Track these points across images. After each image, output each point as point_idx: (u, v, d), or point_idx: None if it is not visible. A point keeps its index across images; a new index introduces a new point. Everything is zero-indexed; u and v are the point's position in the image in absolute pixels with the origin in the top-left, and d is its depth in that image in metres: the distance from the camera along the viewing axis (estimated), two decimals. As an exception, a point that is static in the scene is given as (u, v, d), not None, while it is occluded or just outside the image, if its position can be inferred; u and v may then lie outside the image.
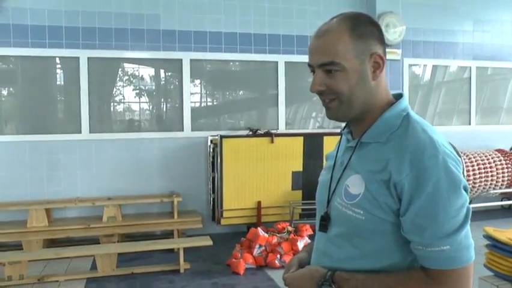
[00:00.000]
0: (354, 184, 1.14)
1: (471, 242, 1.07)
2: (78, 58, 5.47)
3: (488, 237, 2.84)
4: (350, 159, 1.19)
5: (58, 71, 5.69)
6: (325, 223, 1.22)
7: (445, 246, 1.03)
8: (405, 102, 1.20)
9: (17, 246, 4.87)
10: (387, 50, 4.73)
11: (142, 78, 5.99)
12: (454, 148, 1.59)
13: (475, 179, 6.07)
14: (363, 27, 1.14)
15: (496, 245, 2.79)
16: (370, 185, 1.10)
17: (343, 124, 1.31)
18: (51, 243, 5.13)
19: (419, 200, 1.03)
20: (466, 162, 6.02)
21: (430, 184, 1.03)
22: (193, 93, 5.97)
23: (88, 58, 5.49)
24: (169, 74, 6.11)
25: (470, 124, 7.06)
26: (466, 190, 1.07)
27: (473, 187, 6.11)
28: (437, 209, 1.03)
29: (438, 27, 6.74)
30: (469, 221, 1.07)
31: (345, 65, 1.12)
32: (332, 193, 1.21)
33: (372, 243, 1.12)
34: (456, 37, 6.87)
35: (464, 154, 6.14)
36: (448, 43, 6.83)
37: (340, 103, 1.15)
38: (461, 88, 7.14)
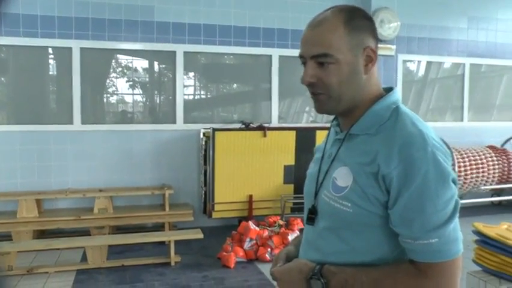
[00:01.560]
0: (342, 176, 1.13)
1: (459, 235, 1.06)
2: (71, 48, 5.42)
3: (477, 232, 2.86)
4: (338, 151, 1.18)
5: (50, 61, 5.64)
6: (312, 216, 1.21)
7: (433, 239, 1.02)
8: (395, 95, 1.19)
9: (6, 237, 4.84)
10: (381, 45, 4.72)
11: (135, 70, 5.95)
12: (445, 143, 1.58)
13: (466, 175, 6.10)
14: (358, 20, 1.13)
15: (484, 241, 2.80)
16: (358, 177, 1.09)
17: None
18: (41, 234, 5.11)
19: (408, 192, 1.02)
20: (457, 158, 6.05)
21: (419, 176, 1.02)
22: (186, 86, 5.95)
23: (81, 48, 5.44)
24: (163, 66, 6.08)
25: (462, 120, 7.09)
26: (454, 183, 1.07)
27: (464, 183, 6.14)
28: (426, 202, 1.02)
29: (433, 23, 6.74)
30: (458, 214, 1.06)
31: (338, 57, 1.10)
32: (319, 185, 1.20)
33: (360, 236, 1.11)
34: (450, 34, 6.88)
35: (456, 150, 6.17)
36: (442, 40, 6.84)
37: (329, 97, 1.14)
38: (455, 85, 7.17)
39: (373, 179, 1.07)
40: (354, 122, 1.16)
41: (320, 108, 1.18)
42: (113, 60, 5.88)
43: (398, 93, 1.20)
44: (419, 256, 1.05)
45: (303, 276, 1.13)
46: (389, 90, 1.21)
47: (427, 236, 1.03)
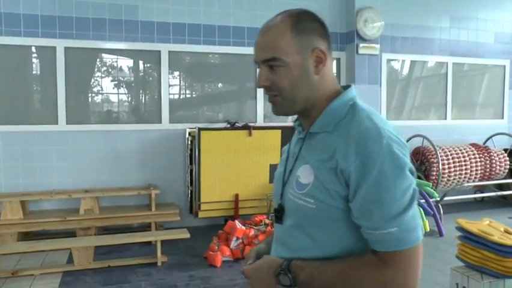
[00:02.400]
0: (304, 174, 1.16)
1: (418, 223, 1.09)
2: (55, 48, 5.37)
3: (460, 229, 2.91)
4: (300, 150, 1.22)
5: (34, 60, 5.57)
6: (279, 215, 1.24)
7: (393, 228, 1.05)
8: (351, 92, 1.22)
9: (-9, 239, 4.79)
10: (365, 44, 4.78)
11: (120, 70, 5.92)
12: (415, 143, 1.60)
13: (449, 172, 6.19)
14: (305, 23, 1.17)
15: (467, 237, 2.86)
16: (319, 173, 1.12)
17: None
18: (26, 236, 5.06)
19: (366, 184, 1.05)
20: (441, 156, 6.13)
21: (375, 168, 1.04)
22: (171, 85, 5.93)
23: (65, 48, 5.40)
24: (148, 65, 6.05)
25: (446, 119, 7.19)
26: (412, 173, 1.10)
27: (448, 180, 6.23)
28: (383, 192, 1.05)
29: (416, 23, 6.83)
30: (416, 202, 1.08)
31: (287, 60, 1.14)
32: (284, 185, 1.24)
33: (325, 231, 1.14)
34: (433, 33, 6.98)
35: (440, 148, 6.25)
36: (425, 39, 6.94)
37: (283, 99, 1.18)
38: (438, 83, 7.26)
39: (333, 174, 1.10)
40: (313, 121, 1.20)
41: (277, 111, 1.22)
42: (98, 60, 5.83)
43: (354, 91, 1.23)
44: (380, 246, 1.08)
45: (272, 272, 1.16)
46: (347, 87, 1.25)
47: (387, 226, 1.05)
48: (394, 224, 1.05)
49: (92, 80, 5.83)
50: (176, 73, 6.03)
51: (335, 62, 6.55)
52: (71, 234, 4.97)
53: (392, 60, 6.87)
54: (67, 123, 5.45)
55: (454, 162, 6.23)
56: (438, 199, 5.78)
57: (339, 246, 1.14)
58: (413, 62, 7.02)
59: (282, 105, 1.20)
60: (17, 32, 5.22)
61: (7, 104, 5.41)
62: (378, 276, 1.07)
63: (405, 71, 7.13)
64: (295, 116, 1.30)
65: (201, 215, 5.29)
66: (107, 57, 5.87)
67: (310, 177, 1.14)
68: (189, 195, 5.48)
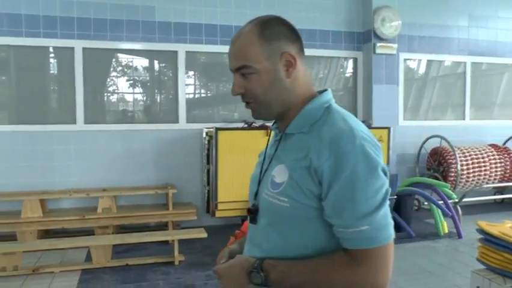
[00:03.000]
0: (279, 173, 1.18)
1: (389, 222, 1.10)
2: (73, 48, 5.44)
3: (481, 231, 2.87)
4: (275, 151, 1.24)
5: (53, 61, 5.65)
6: (254, 215, 1.25)
7: (364, 226, 1.06)
8: (327, 96, 1.24)
9: (11, 237, 4.86)
10: (382, 44, 4.74)
11: (137, 70, 5.97)
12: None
13: (468, 173, 6.12)
14: (272, 29, 1.19)
15: (488, 239, 2.82)
16: (293, 172, 1.14)
17: None
18: (45, 234, 5.13)
19: (338, 183, 1.06)
20: (459, 157, 6.06)
21: (348, 167, 1.06)
22: (187, 85, 5.96)
23: (83, 48, 5.46)
24: (164, 65, 6.09)
25: (464, 119, 7.10)
26: (385, 173, 1.11)
27: (467, 181, 6.16)
28: (355, 191, 1.06)
29: (434, 22, 6.76)
30: (388, 202, 1.10)
31: (256, 67, 1.17)
32: (259, 185, 1.25)
33: (298, 230, 1.15)
34: (451, 32, 6.89)
35: (458, 149, 6.18)
36: (443, 38, 6.86)
37: (258, 104, 1.21)
38: (456, 83, 7.18)
39: (307, 172, 1.11)
40: (289, 123, 1.23)
41: (255, 115, 1.25)
42: (115, 60, 5.89)
43: (330, 94, 1.25)
44: (351, 244, 1.09)
45: (244, 271, 1.17)
46: (323, 92, 1.27)
47: (358, 224, 1.06)
48: (365, 222, 1.06)
49: (109, 80, 5.89)
50: (191, 72, 6.05)
51: (351, 61, 6.52)
52: (89, 232, 5.02)
53: (408, 59, 6.80)
54: (85, 123, 5.51)
55: (472, 163, 6.16)
56: (456, 200, 5.72)
57: (313, 247, 1.15)
58: (429, 61, 6.95)
59: (259, 110, 1.23)
60: (36, 33, 5.30)
61: (28, 105, 5.49)
62: (349, 274, 1.08)
63: (422, 71, 7.05)
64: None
65: (217, 214, 5.29)
66: (124, 58, 5.92)
67: (284, 176, 1.15)
68: (206, 194, 5.49)
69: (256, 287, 1.16)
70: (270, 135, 1.37)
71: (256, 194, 1.26)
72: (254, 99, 1.21)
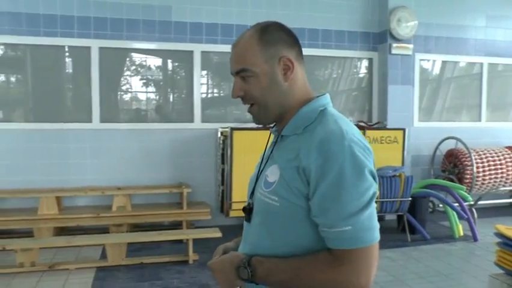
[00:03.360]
0: (272, 173, 1.22)
1: (375, 224, 1.12)
2: (89, 48, 5.48)
3: (499, 235, 2.84)
4: (271, 152, 1.29)
5: (70, 60, 5.70)
6: (248, 214, 1.29)
7: (347, 226, 1.08)
8: (324, 100, 1.27)
9: (28, 233, 4.92)
10: (398, 44, 4.71)
11: (152, 69, 6.00)
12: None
13: (484, 176, 6.05)
14: (271, 34, 1.24)
15: (507, 243, 2.79)
16: (284, 172, 1.17)
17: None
18: (60, 231, 5.18)
19: (325, 182, 1.09)
20: (475, 159, 6.00)
21: (335, 168, 1.08)
22: (201, 84, 5.97)
23: (99, 48, 5.50)
24: (180, 65, 6.11)
25: (480, 121, 7.02)
26: (373, 176, 1.13)
27: (483, 184, 6.09)
28: (341, 191, 1.08)
29: (450, 22, 6.69)
30: (373, 204, 1.12)
31: (255, 70, 1.22)
32: (255, 185, 1.30)
33: (287, 229, 1.18)
34: (468, 33, 6.81)
35: (473, 150, 6.12)
36: (460, 39, 6.78)
37: (258, 107, 1.26)
38: (471, 84, 7.10)
39: (296, 172, 1.14)
40: (286, 125, 1.26)
41: (256, 120, 1.31)
42: (131, 60, 5.93)
43: (328, 99, 1.29)
44: (334, 243, 1.11)
45: (233, 266, 1.21)
46: (322, 96, 1.31)
47: (341, 224, 1.08)
48: (349, 223, 1.08)
49: (125, 80, 5.94)
50: (204, 72, 6.05)
51: (367, 61, 6.49)
52: (103, 230, 5.06)
53: (423, 60, 6.74)
54: (100, 122, 5.56)
55: (488, 166, 6.09)
56: (472, 203, 5.66)
57: (300, 246, 1.17)
58: (444, 62, 6.88)
59: (259, 113, 1.28)
60: (54, 33, 5.36)
61: (44, 103, 5.56)
62: (331, 274, 1.10)
63: (436, 71, 6.99)
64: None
65: (232, 214, 5.30)
66: (140, 57, 5.96)
67: (276, 176, 1.19)
68: (220, 194, 5.51)
69: (244, 283, 1.21)
70: (269, 138, 1.40)
71: (252, 194, 1.30)
72: (253, 101, 1.26)
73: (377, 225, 1.13)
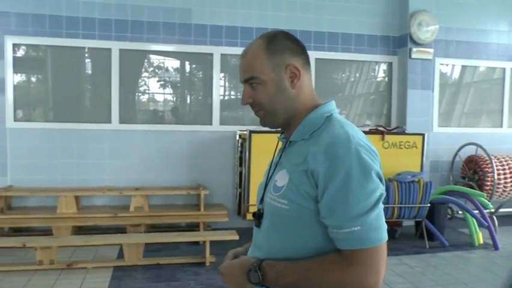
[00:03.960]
0: (281, 178, 1.25)
1: (382, 224, 1.14)
2: (110, 49, 5.54)
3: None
4: (280, 158, 1.33)
5: (89, 61, 5.77)
6: (258, 219, 1.32)
7: (355, 227, 1.10)
8: (330, 106, 1.31)
9: (47, 232, 4.98)
10: (418, 49, 4.67)
11: (171, 71, 6.04)
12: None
13: (505, 182, 5.95)
14: (278, 43, 1.29)
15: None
16: (293, 175, 1.21)
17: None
18: (78, 230, 5.23)
19: (333, 185, 1.12)
20: (496, 166, 5.90)
21: (343, 170, 1.11)
22: (219, 87, 5.98)
23: (120, 50, 5.56)
24: (199, 67, 6.14)
25: (501, 126, 6.90)
26: (380, 178, 1.16)
27: (504, 191, 5.99)
28: (348, 192, 1.11)
29: (472, 26, 6.59)
30: (381, 205, 1.14)
31: (263, 78, 1.27)
32: (265, 190, 1.33)
33: (297, 231, 1.20)
34: (490, 37, 6.71)
35: (494, 157, 6.02)
36: (482, 43, 6.68)
37: (265, 112, 1.30)
38: (491, 89, 6.99)
39: (304, 175, 1.17)
40: (293, 131, 1.30)
41: (263, 123, 1.35)
42: (150, 62, 5.98)
43: (333, 105, 1.32)
44: (343, 244, 1.13)
45: (243, 270, 1.24)
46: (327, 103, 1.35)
47: (350, 225, 1.10)
48: (357, 223, 1.10)
49: (144, 81, 5.99)
50: (222, 74, 6.07)
51: (386, 65, 6.43)
52: (121, 230, 5.10)
53: (443, 64, 6.65)
54: (120, 123, 5.61)
55: (510, 172, 5.98)
56: (493, 210, 5.56)
57: (310, 248, 1.19)
58: (463, 67, 6.78)
59: (265, 118, 1.32)
60: (75, 34, 5.43)
61: (65, 103, 5.64)
62: (341, 274, 1.12)
63: (456, 76, 6.89)
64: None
65: (249, 217, 5.29)
66: (159, 59, 6.00)
67: (285, 180, 1.22)
68: (238, 196, 5.51)
69: (254, 286, 1.23)
70: (277, 146, 1.42)
71: (262, 200, 1.33)
72: (261, 107, 1.30)
73: (385, 226, 1.15)
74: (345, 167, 1.11)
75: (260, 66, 1.27)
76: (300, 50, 1.31)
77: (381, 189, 1.15)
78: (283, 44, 1.29)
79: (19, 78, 5.59)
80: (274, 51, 1.27)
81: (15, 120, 5.42)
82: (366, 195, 1.11)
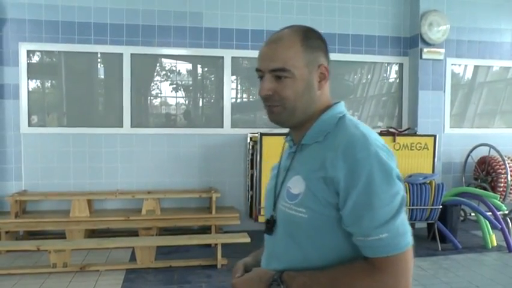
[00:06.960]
0: (296, 185, 1.18)
1: (408, 228, 1.11)
2: (121, 54, 5.60)
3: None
4: (291, 162, 1.25)
5: (102, 66, 5.84)
6: (270, 226, 1.26)
7: (383, 234, 1.07)
8: (341, 106, 1.27)
9: (61, 235, 5.04)
10: (430, 49, 4.66)
11: (183, 75, 6.08)
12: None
13: (519, 184, 5.88)
14: (313, 40, 1.22)
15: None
16: (310, 183, 1.15)
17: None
18: (91, 233, 5.29)
19: (355, 191, 1.07)
20: (510, 166, 5.84)
21: (364, 175, 1.07)
22: (230, 90, 6.01)
23: (131, 54, 5.61)
24: (210, 71, 6.18)
25: (517, 127, 6.82)
26: (399, 179, 1.12)
27: (519, 193, 5.92)
28: (372, 198, 1.07)
29: (484, 26, 6.53)
30: (404, 208, 1.10)
31: (294, 72, 1.18)
32: (277, 197, 1.26)
33: (317, 241, 1.15)
34: (504, 37, 6.63)
35: (508, 158, 5.95)
36: (495, 43, 6.61)
37: (284, 109, 1.21)
38: (505, 89, 6.92)
39: (323, 182, 1.12)
40: (305, 134, 1.24)
41: (274, 119, 1.24)
42: (161, 66, 6.03)
43: (343, 106, 1.28)
44: (371, 252, 1.09)
45: (264, 284, 1.18)
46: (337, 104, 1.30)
47: (377, 232, 1.07)
48: (385, 230, 1.07)
49: (155, 85, 6.04)
50: (234, 77, 6.09)
51: (397, 66, 6.40)
52: (133, 233, 5.14)
53: (454, 64, 6.60)
54: (131, 127, 5.66)
55: (525, 174, 5.91)
56: (506, 212, 5.50)
57: (333, 256, 1.15)
58: (476, 67, 6.72)
59: (280, 114, 1.22)
60: (88, 40, 5.50)
61: (78, 108, 5.71)
62: (370, 282, 1.08)
63: (468, 76, 6.83)
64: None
65: (260, 219, 5.30)
66: (171, 63, 6.05)
67: (301, 187, 1.16)
68: (249, 199, 5.52)
69: None
70: (283, 148, 1.37)
71: (274, 206, 1.27)
72: (281, 103, 1.20)
73: (410, 229, 1.12)
74: (366, 171, 1.07)
75: (294, 58, 1.18)
76: (327, 52, 1.27)
77: (402, 191, 1.12)
78: (318, 42, 1.23)
79: (33, 84, 5.67)
80: (310, 46, 1.21)
81: (30, 125, 5.50)
82: (390, 199, 1.08)
